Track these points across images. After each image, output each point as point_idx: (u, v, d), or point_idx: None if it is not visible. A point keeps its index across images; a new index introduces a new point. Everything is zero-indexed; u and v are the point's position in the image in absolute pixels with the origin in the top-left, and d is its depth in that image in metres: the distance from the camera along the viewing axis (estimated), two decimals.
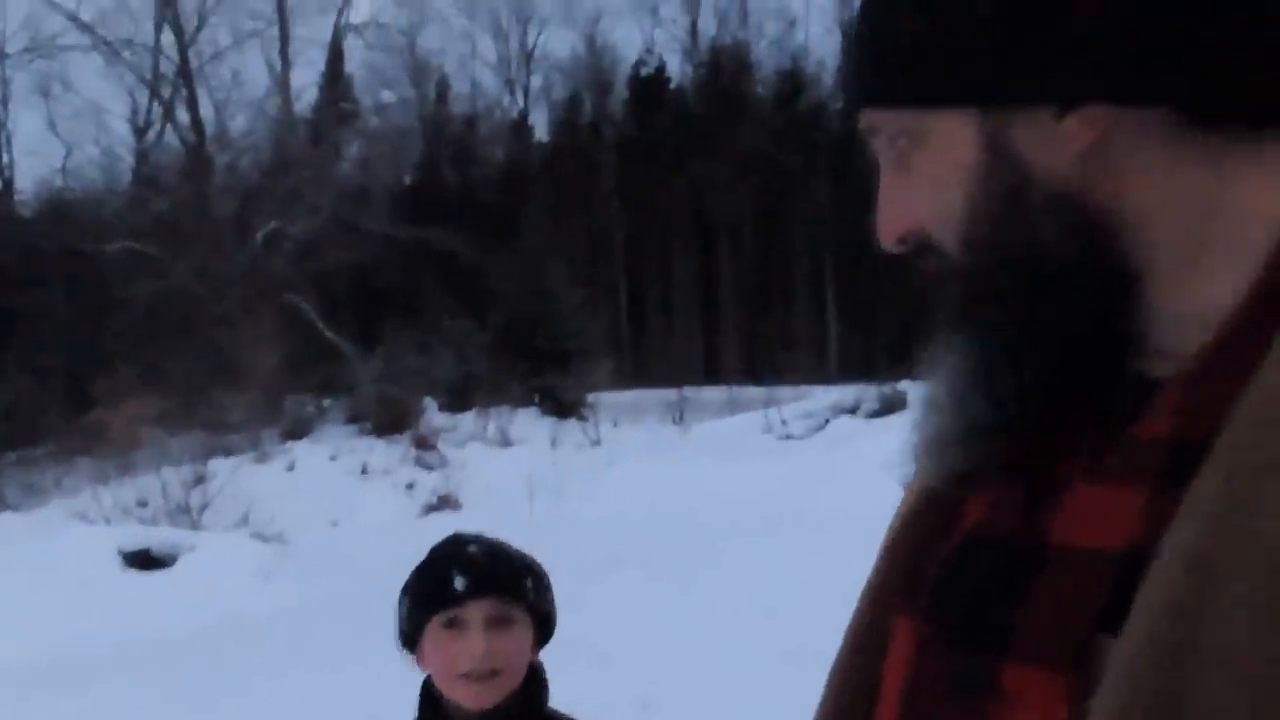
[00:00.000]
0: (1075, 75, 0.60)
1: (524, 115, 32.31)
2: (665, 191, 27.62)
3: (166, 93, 19.74)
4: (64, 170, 19.84)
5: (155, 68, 19.33)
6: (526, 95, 32.20)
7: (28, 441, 12.69)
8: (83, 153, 23.82)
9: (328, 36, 22.66)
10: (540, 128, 33.14)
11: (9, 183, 19.25)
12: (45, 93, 20.76)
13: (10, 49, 16.89)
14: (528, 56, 32.03)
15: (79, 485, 11.07)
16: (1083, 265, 0.61)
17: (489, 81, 38.70)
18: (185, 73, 19.31)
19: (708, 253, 29.96)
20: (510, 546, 1.39)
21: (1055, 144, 0.60)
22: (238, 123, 21.03)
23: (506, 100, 32.40)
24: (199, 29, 19.50)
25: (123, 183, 19.87)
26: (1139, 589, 0.52)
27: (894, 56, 0.66)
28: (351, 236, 19.39)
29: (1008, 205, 0.62)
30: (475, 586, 1.30)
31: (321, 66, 24.30)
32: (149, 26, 18.99)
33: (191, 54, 19.50)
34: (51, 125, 22.05)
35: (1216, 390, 0.56)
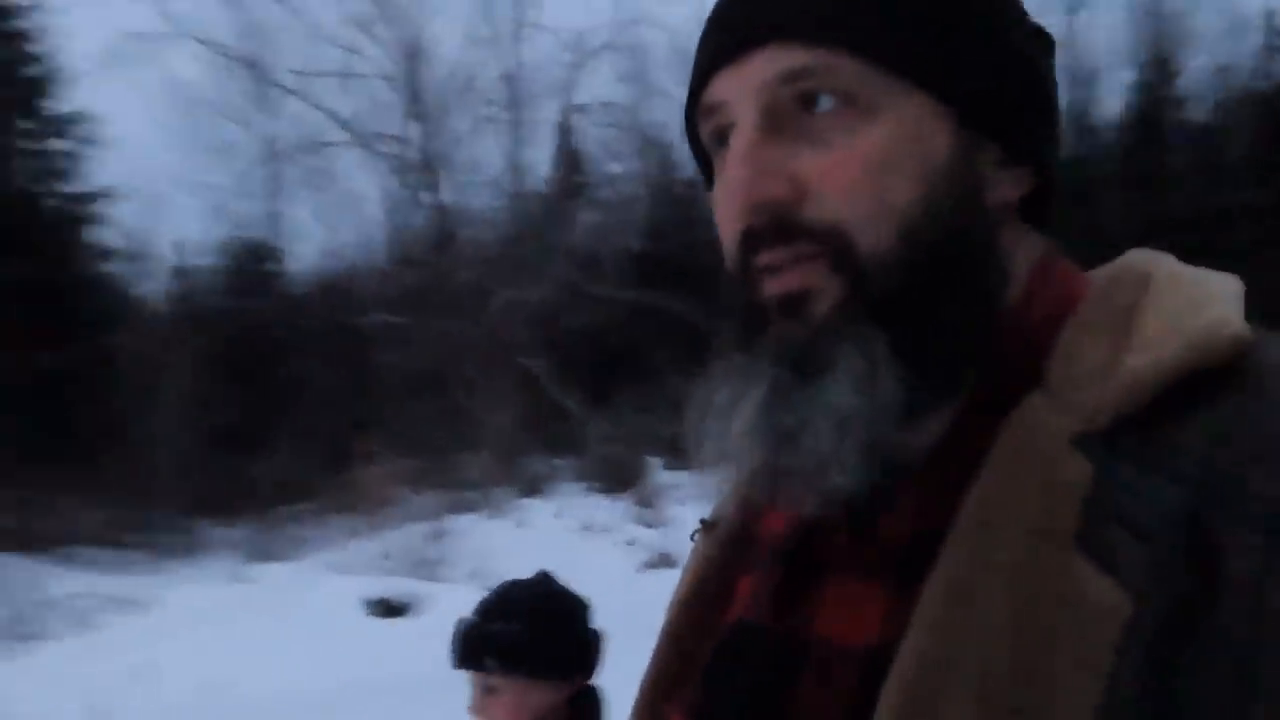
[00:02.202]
0: (1031, 134, 0.63)
1: None
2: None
3: (414, 178, 21.48)
4: (328, 252, 21.89)
5: (403, 156, 21.09)
6: None
7: (294, 499, 13.94)
8: (343, 236, 26.54)
9: (557, 117, 23.93)
10: None
11: (284, 267, 21.44)
12: (311, 185, 23.09)
13: (282, 148, 18.95)
14: None
15: (335, 539, 12.06)
16: (988, 295, 0.61)
17: None
18: (430, 159, 20.97)
19: None
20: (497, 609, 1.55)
21: (995, 184, 0.61)
22: (478, 200, 22.53)
23: None
24: (441, 120, 21.14)
25: (377, 261, 21.67)
26: (883, 688, 0.52)
27: (902, 11, 0.58)
28: (583, 301, 20.22)
29: (963, 215, 0.59)
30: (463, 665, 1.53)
31: (552, 144, 25.63)
32: (397, 121, 20.75)
33: (435, 142, 21.15)
34: (317, 213, 24.76)
35: (949, 480, 0.56)
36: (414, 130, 20.89)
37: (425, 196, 21.23)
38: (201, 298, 20.52)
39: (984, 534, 0.52)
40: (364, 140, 20.13)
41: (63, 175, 16.30)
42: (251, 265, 20.73)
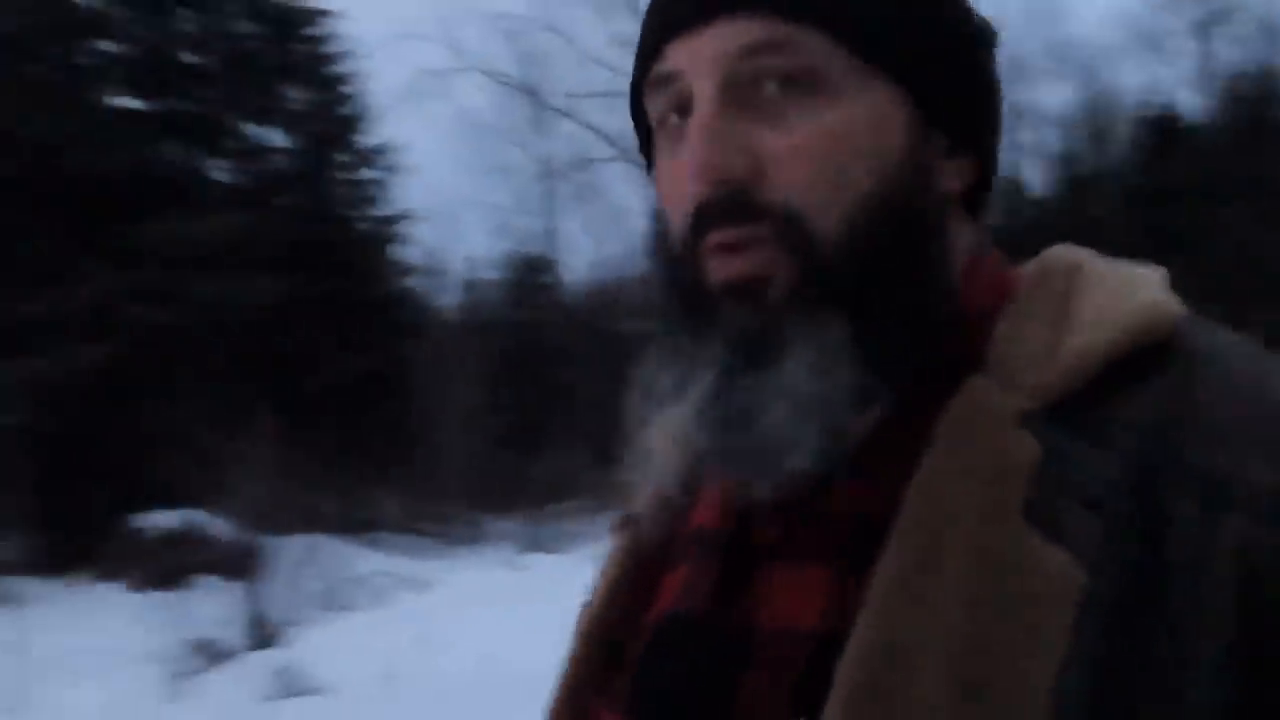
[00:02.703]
0: (976, 126, 0.63)
1: (1018, 173, 31.09)
2: (1191, 239, 24.75)
3: None
4: (596, 264, 23.04)
5: None
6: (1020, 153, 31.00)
7: (564, 496, 14.88)
8: (611, 247, 28.01)
9: None
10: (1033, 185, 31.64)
11: (558, 278, 22.71)
12: (582, 199, 24.40)
13: (556, 166, 20.18)
14: (1018, 114, 30.91)
15: (599, 534, 12.76)
16: (937, 283, 0.60)
17: None
18: None
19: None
20: None
21: (941, 174, 0.61)
22: None
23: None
24: None
25: (642, 270, 22.49)
26: (836, 673, 0.52)
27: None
28: None
29: (916, 203, 0.59)
30: None
31: None
32: None
33: None
34: (587, 226, 26.17)
35: (891, 463, 0.56)
36: None
37: None
38: (487, 309, 22.13)
39: (933, 512, 0.52)
40: (629, 155, 21.05)
41: (371, 201, 18.24)
42: (530, 277, 22.10)
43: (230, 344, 13.74)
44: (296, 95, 17.03)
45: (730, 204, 0.57)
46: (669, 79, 0.60)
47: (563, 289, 22.94)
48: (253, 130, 16.51)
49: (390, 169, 18.15)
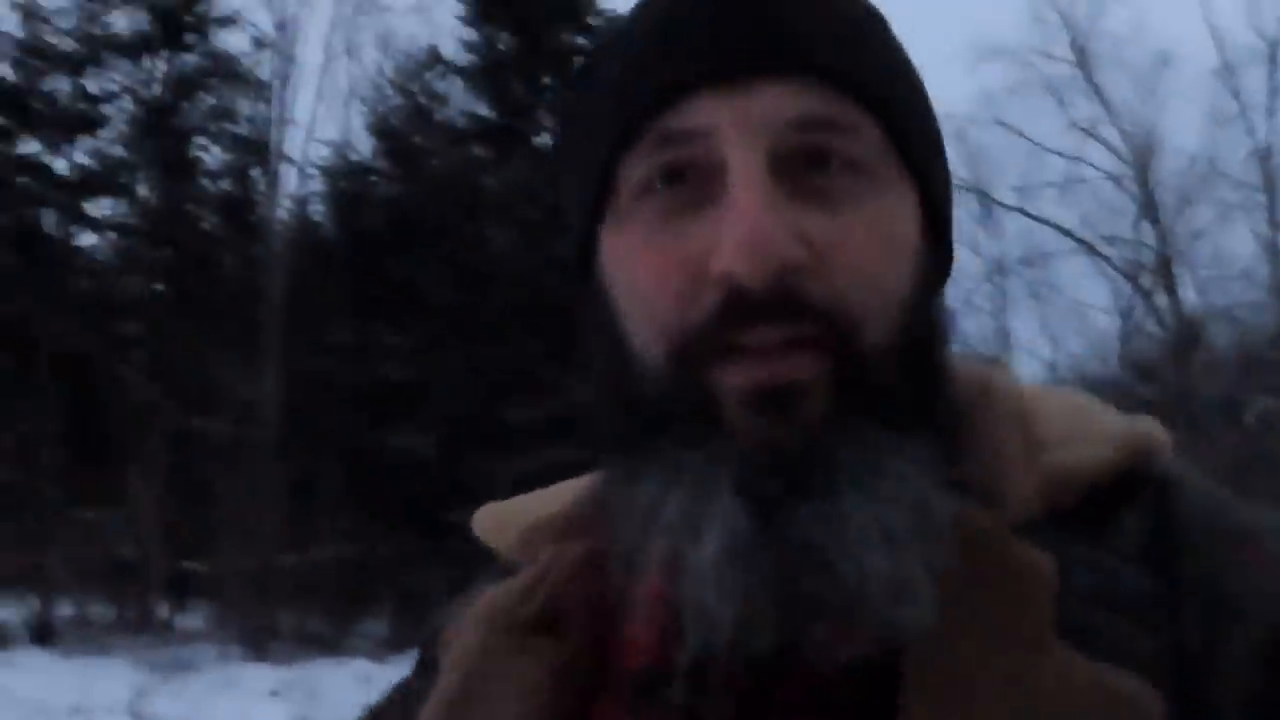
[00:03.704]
0: (950, 224, 0.59)
1: None
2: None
3: (1149, 280, 20.25)
4: (1053, 365, 21.59)
5: (1136, 259, 20.06)
6: None
7: None
8: (1070, 347, 26.05)
9: None
10: None
11: None
12: (1036, 297, 23.09)
13: (1006, 263, 19.38)
14: None
15: None
16: (948, 390, 0.56)
17: None
18: (1167, 258, 19.61)
19: None
20: None
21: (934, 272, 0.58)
22: (1225, 298, 20.37)
23: None
24: (1179, 214, 19.73)
25: (1109, 372, 20.77)
26: None
27: (905, 84, 0.55)
28: None
29: (932, 305, 0.55)
30: None
31: None
32: (1127, 222, 19.87)
33: (1172, 239, 19.76)
34: (1043, 325, 24.64)
35: None
36: (1147, 229, 19.80)
37: (1162, 300, 19.86)
38: None
39: (952, 650, 0.47)
40: (1091, 247, 19.65)
41: None
42: None
43: None
44: None
45: (780, 296, 0.48)
46: (685, 137, 0.50)
47: None
48: None
49: None
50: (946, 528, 0.49)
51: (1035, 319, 27.51)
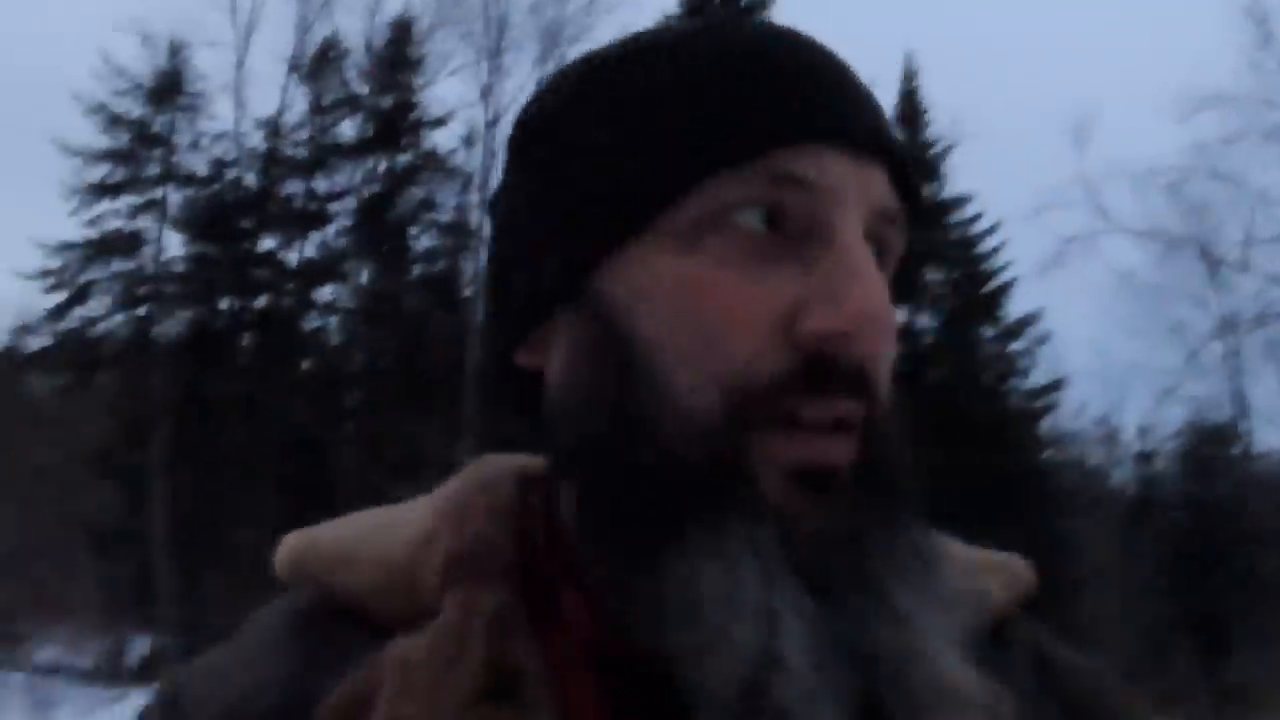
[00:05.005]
0: None
1: None
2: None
3: None
4: None
5: None
6: None
7: (1258, 705, 12.47)
8: None
9: None
10: None
11: (1249, 449, 19.73)
12: (1272, 359, 21.11)
13: (1239, 322, 17.88)
14: None
15: None
16: None
17: None
18: None
19: None
20: None
21: None
22: None
23: None
24: None
25: None
26: None
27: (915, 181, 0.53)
28: None
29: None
30: None
31: None
32: None
33: None
34: None
35: None
36: None
37: None
38: (1160, 481, 20.06)
39: None
40: None
41: (1019, 372, 17.95)
42: (1212, 448, 19.63)
43: None
44: (937, 276, 17.70)
45: (858, 373, 0.46)
46: (803, 185, 0.47)
47: (1254, 461, 19.86)
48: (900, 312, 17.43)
49: (1038, 339, 17.78)
50: (985, 619, 0.52)
51: (1276, 382, 24.98)
